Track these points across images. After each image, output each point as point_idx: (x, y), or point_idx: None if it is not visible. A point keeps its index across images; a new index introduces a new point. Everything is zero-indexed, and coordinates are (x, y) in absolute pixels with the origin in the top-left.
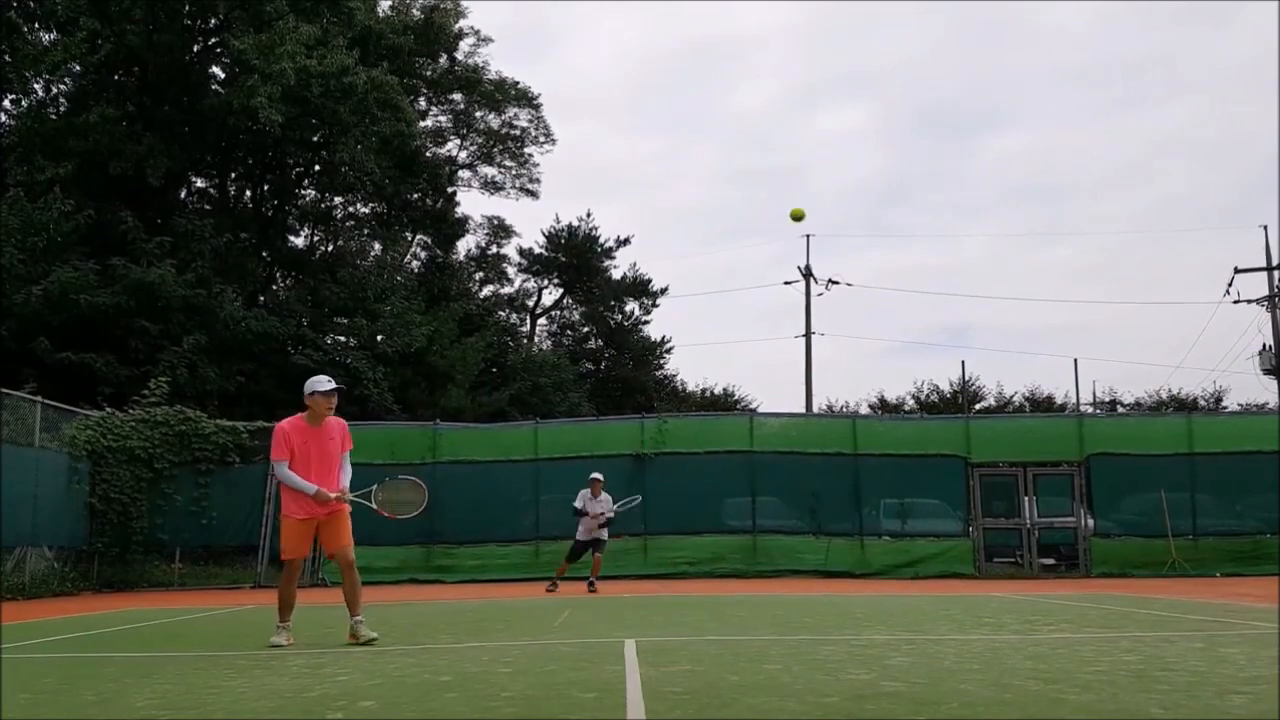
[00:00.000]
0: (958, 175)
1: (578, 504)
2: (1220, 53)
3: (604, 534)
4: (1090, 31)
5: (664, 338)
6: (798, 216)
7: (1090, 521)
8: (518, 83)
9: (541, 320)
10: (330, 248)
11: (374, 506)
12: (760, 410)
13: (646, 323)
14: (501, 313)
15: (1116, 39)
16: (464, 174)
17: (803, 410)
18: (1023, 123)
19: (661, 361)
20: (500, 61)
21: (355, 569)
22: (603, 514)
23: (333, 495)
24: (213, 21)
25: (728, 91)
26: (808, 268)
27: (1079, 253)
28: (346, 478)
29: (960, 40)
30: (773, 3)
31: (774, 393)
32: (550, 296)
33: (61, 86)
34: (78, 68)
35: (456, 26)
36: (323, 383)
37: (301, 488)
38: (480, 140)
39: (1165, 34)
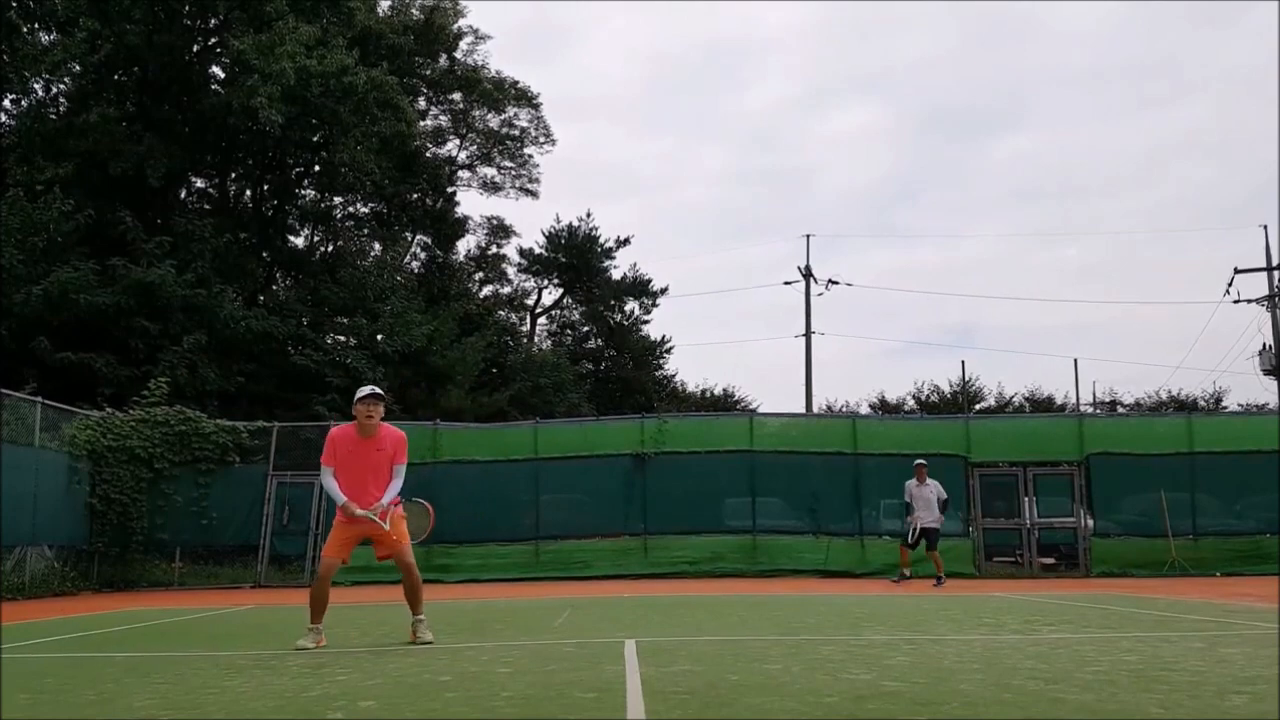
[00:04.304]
0: (962, 176)
1: (906, 497)
2: (1224, 55)
3: (934, 524)
4: (1098, 34)
5: (664, 338)
6: None
7: (1090, 521)
8: (517, 82)
9: (541, 320)
10: (330, 248)
11: (385, 528)
12: (760, 410)
13: (646, 323)
14: (501, 312)
15: (1123, 41)
16: (464, 174)
17: (803, 410)
18: (1028, 124)
19: (661, 362)
20: (507, 62)
21: (414, 569)
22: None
23: (358, 512)
24: (213, 21)
25: (735, 92)
26: (808, 268)
27: (1081, 253)
28: (392, 491)
29: (966, 42)
30: (781, 4)
31: (774, 393)
32: (550, 296)
33: (61, 86)
34: (78, 68)
35: (456, 26)
36: (361, 391)
37: (334, 496)
38: (480, 140)
39: (1171, 36)
